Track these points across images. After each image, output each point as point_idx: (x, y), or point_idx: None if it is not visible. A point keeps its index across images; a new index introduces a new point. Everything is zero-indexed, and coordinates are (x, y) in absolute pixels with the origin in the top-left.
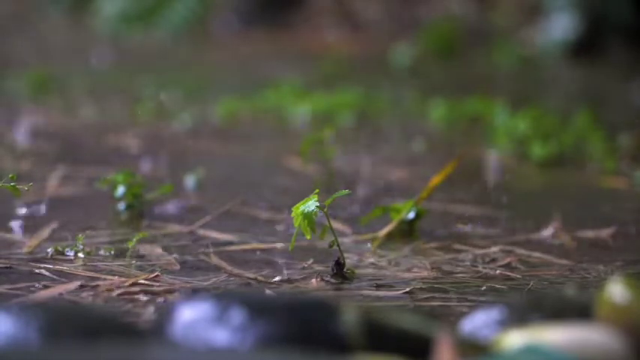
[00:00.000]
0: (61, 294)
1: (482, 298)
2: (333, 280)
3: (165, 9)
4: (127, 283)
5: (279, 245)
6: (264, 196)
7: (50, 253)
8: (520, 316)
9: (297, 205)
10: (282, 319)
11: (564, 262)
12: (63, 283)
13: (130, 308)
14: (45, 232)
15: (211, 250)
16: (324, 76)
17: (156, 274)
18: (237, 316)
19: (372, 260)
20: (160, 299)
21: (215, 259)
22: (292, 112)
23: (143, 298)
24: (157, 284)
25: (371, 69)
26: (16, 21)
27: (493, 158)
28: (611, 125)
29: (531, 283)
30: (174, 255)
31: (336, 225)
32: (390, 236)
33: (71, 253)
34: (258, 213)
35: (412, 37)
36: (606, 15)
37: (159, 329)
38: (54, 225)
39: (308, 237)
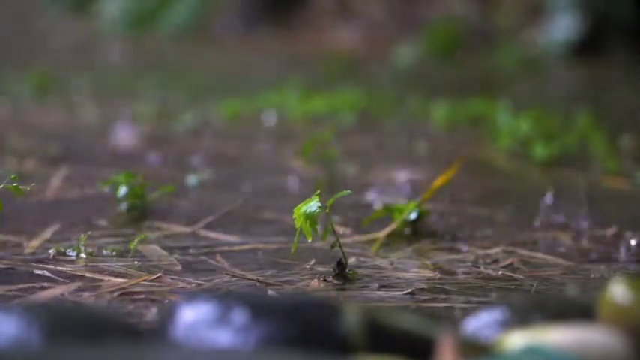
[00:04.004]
0: (62, 294)
1: (484, 299)
2: (335, 281)
3: (166, 10)
4: (129, 284)
5: (280, 246)
6: (266, 196)
7: (52, 254)
8: (522, 316)
9: (299, 206)
10: (284, 320)
11: (566, 262)
12: (65, 283)
13: (131, 309)
14: (47, 233)
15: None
16: (326, 76)
17: (158, 274)
18: (239, 316)
19: (374, 261)
20: (162, 300)
21: (217, 260)
22: (294, 112)
23: (145, 298)
24: (159, 285)
25: (373, 69)
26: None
27: (495, 158)
28: (613, 126)
29: (535, 285)
30: (177, 255)
31: (338, 226)
32: (392, 237)
33: (73, 254)
34: (259, 214)
35: (414, 38)
36: (608, 15)
37: (161, 330)
38: (56, 226)
39: (309, 238)
